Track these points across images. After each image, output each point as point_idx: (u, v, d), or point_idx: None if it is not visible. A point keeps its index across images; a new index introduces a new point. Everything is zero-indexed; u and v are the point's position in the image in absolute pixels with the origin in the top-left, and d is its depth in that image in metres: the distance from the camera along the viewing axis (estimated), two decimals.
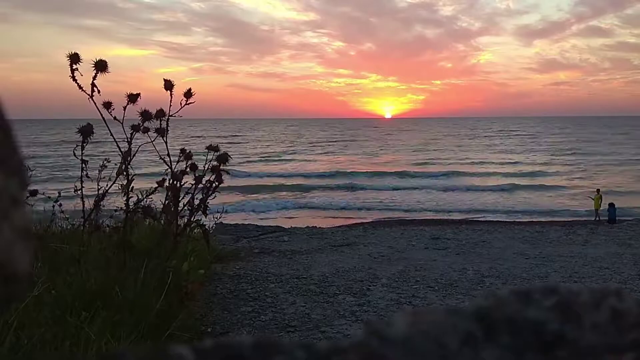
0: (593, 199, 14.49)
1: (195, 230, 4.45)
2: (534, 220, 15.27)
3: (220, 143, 4.23)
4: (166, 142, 3.77)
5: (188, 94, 3.72)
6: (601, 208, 13.90)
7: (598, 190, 15.10)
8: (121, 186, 3.63)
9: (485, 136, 68.14)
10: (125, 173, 3.60)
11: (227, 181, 4.09)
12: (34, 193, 3.63)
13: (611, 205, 13.57)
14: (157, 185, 3.95)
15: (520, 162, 33.58)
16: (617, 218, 13.39)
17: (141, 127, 3.64)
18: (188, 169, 3.92)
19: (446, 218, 16.03)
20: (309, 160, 36.60)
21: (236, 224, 10.45)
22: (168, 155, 3.80)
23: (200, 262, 5.06)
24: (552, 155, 38.59)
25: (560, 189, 23.19)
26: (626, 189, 21.75)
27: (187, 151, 3.95)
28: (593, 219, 13.98)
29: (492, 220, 14.73)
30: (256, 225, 10.61)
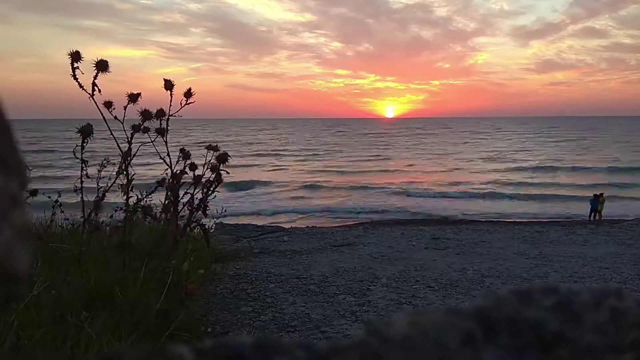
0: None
1: (195, 230, 4.44)
2: (534, 220, 15.28)
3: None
4: (166, 142, 3.77)
5: (188, 94, 3.72)
6: (604, 210, 13.86)
7: (601, 194, 14.99)
8: (121, 186, 3.63)
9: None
10: (125, 173, 3.60)
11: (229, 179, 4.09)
12: (34, 193, 3.63)
13: (595, 196, 13.62)
14: (157, 185, 3.95)
15: None
16: (614, 217, 13.42)
17: (141, 127, 3.64)
18: (187, 169, 3.92)
19: (446, 218, 16.04)
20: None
21: (236, 223, 10.44)
22: (168, 155, 3.80)
23: (200, 262, 5.06)
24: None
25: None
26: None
27: (186, 151, 3.95)
28: (591, 219, 13.96)
29: (492, 220, 14.74)
30: (256, 225, 10.59)
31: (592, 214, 13.45)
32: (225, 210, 4.79)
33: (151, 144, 3.75)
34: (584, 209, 16.18)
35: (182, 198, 3.91)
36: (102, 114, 3.40)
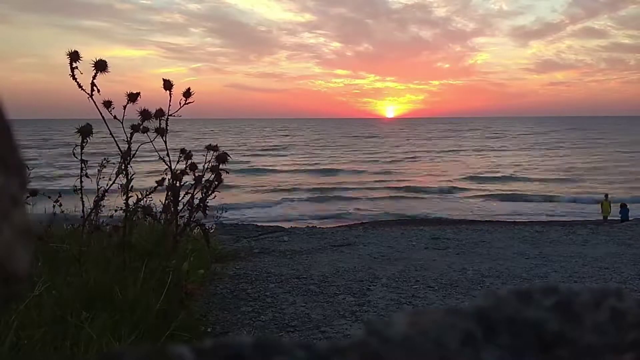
0: (602, 206, 14.17)
1: (195, 230, 4.44)
2: (534, 220, 15.22)
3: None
4: (165, 142, 3.77)
5: (187, 93, 3.72)
6: (611, 213, 13.56)
7: (606, 195, 14.74)
8: (121, 186, 3.63)
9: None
10: (124, 172, 3.60)
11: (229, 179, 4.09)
12: (34, 193, 3.63)
13: (623, 206, 13.39)
14: (156, 185, 3.95)
15: None
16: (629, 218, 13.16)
17: (141, 127, 3.64)
18: (188, 169, 3.92)
19: (446, 218, 16.02)
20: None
21: (236, 224, 10.44)
22: (168, 155, 3.80)
23: (200, 262, 5.06)
24: None
25: None
26: None
27: (187, 151, 3.95)
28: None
29: (492, 220, 14.72)
30: (256, 225, 10.59)
31: (622, 222, 13.38)
32: (225, 211, 4.79)
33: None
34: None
35: (182, 198, 3.91)
36: (101, 114, 3.40)
